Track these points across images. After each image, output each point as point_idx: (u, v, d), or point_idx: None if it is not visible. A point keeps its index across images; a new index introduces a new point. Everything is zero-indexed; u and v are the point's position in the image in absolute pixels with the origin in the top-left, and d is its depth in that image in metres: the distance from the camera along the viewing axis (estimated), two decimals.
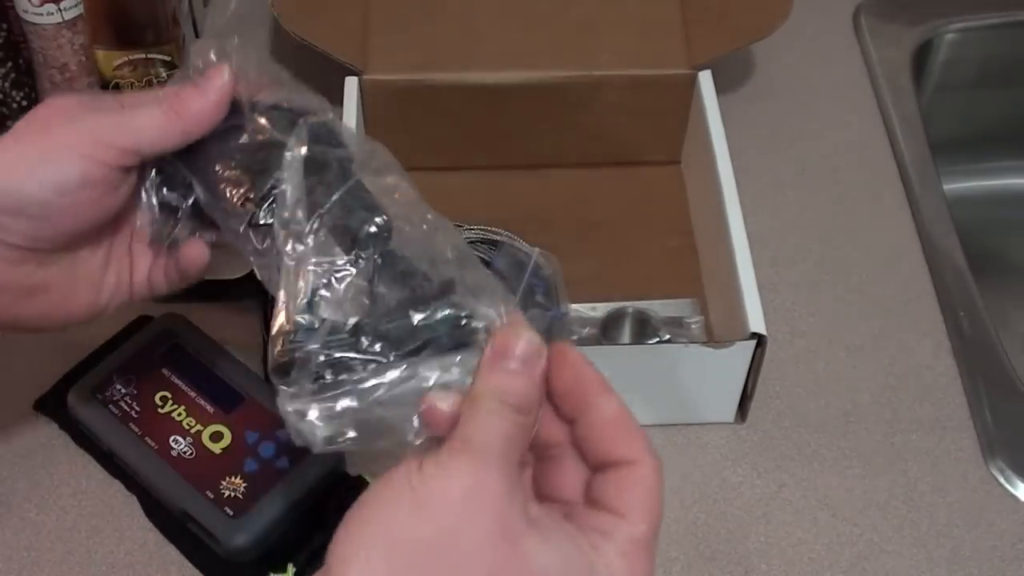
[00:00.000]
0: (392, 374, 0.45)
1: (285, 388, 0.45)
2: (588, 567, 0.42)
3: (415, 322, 0.46)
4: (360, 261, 0.48)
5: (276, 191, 0.52)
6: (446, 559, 0.39)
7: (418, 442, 0.44)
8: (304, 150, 0.52)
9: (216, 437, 0.71)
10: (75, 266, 0.58)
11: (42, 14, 0.83)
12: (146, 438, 0.71)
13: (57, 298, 0.58)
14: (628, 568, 0.43)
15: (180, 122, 0.55)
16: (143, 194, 0.58)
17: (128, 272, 0.61)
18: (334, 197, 0.50)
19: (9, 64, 0.89)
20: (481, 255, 0.83)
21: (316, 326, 0.46)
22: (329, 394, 0.44)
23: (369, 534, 0.40)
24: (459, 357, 0.45)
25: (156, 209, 0.59)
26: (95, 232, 0.58)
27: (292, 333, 0.46)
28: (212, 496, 0.68)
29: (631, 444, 0.45)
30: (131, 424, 0.71)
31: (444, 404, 0.44)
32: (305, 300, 0.47)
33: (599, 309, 0.80)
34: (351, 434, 0.45)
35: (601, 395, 0.47)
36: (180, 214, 0.59)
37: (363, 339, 0.45)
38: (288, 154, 0.52)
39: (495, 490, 0.41)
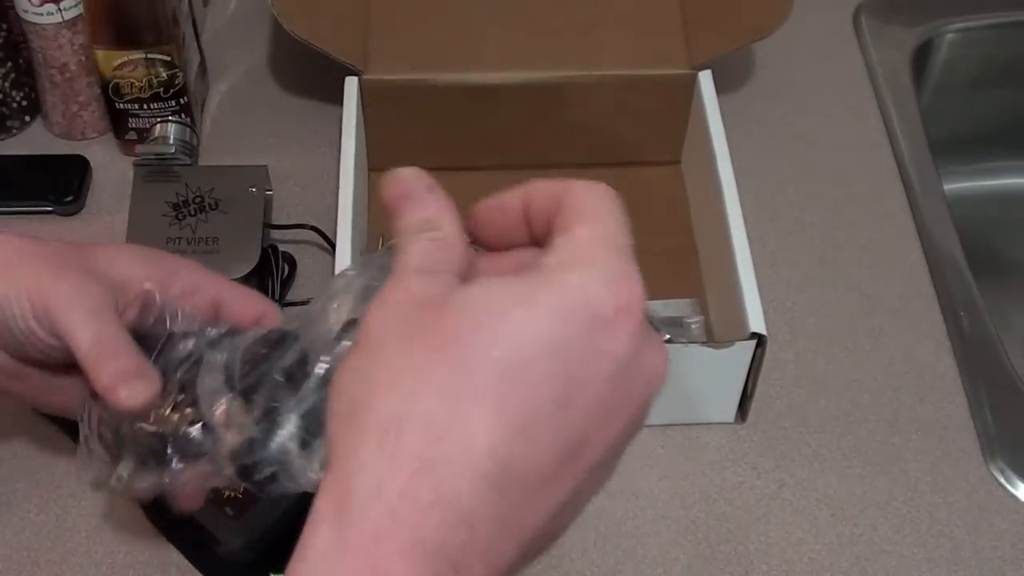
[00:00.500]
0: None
1: None
2: (535, 282, 0.38)
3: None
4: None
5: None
6: (382, 365, 0.37)
7: None
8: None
9: None
10: (49, 376, 0.58)
11: (42, 14, 0.83)
12: None
13: (35, 389, 0.59)
14: (575, 266, 0.39)
15: (90, 367, 0.53)
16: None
17: None
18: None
19: (9, 64, 0.89)
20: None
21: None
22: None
23: (346, 401, 0.38)
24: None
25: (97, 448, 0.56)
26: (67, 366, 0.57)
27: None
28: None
29: (572, 190, 0.42)
30: None
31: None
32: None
33: None
34: None
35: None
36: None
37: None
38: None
39: (410, 289, 0.39)
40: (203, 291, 0.58)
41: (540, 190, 0.43)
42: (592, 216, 0.41)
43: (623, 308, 0.38)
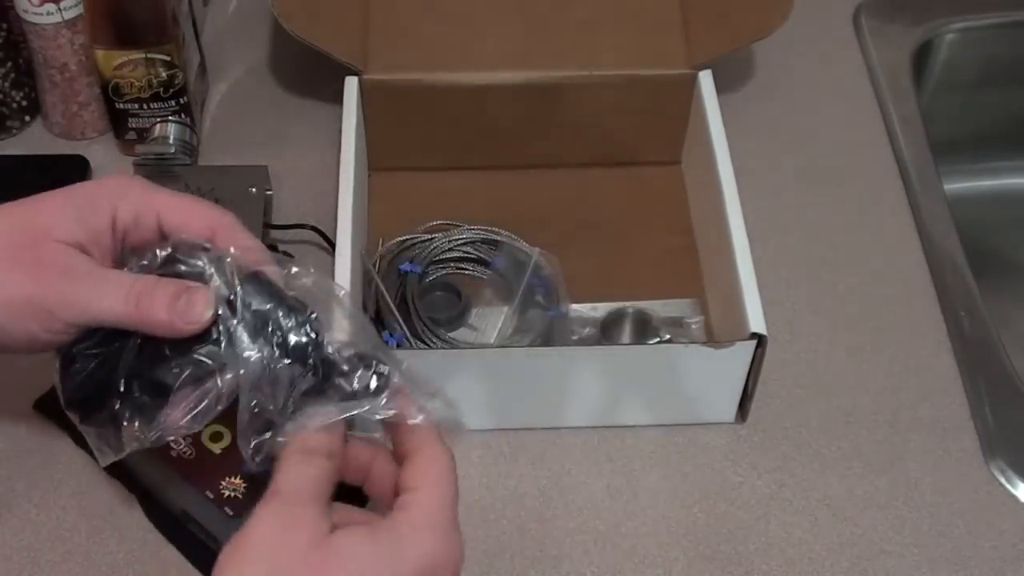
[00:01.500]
0: None
1: None
2: (394, 540, 0.50)
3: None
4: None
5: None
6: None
7: None
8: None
9: (216, 437, 0.71)
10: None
11: (42, 14, 0.83)
12: None
13: None
14: (426, 526, 0.51)
15: (139, 318, 0.54)
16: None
17: None
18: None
19: (9, 64, 0.89)
20: (481, 255, 0.83)
21: None
22: None
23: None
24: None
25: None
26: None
27: None
28: (212, 496, 0.68)
29: (421, 434, 0.54)
30: None
31: None
32: None
33: (599, 309, 0.80)
34: None
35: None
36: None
37: None
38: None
39: (290, 516, 0.49)
40: (146, 219, 0.57)
41: (399, 443, 0.55)
42: (441, 484, 0.53)
43: (453, 566, 0.51)
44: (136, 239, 0.58)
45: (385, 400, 0.54)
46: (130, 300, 0.54)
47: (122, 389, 0.54)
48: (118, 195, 0.57)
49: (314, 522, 0.49)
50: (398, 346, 0.76)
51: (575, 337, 0.79)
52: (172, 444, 0.70)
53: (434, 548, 0.50)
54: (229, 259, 0.55)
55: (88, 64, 0.86)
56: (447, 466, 0.53)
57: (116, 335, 0.55)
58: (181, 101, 0.87)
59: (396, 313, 0.77)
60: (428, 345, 0.77)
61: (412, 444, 0.54)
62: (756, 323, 0.71)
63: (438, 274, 0.82)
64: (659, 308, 0.81)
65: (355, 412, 0.53)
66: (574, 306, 0.80)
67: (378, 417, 0.54)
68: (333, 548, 0.48)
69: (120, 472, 0.72)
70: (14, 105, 0.91)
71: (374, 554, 0.49)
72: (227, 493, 0.68)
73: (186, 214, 0.57)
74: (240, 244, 0.56)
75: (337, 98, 0.83)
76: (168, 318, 0.53)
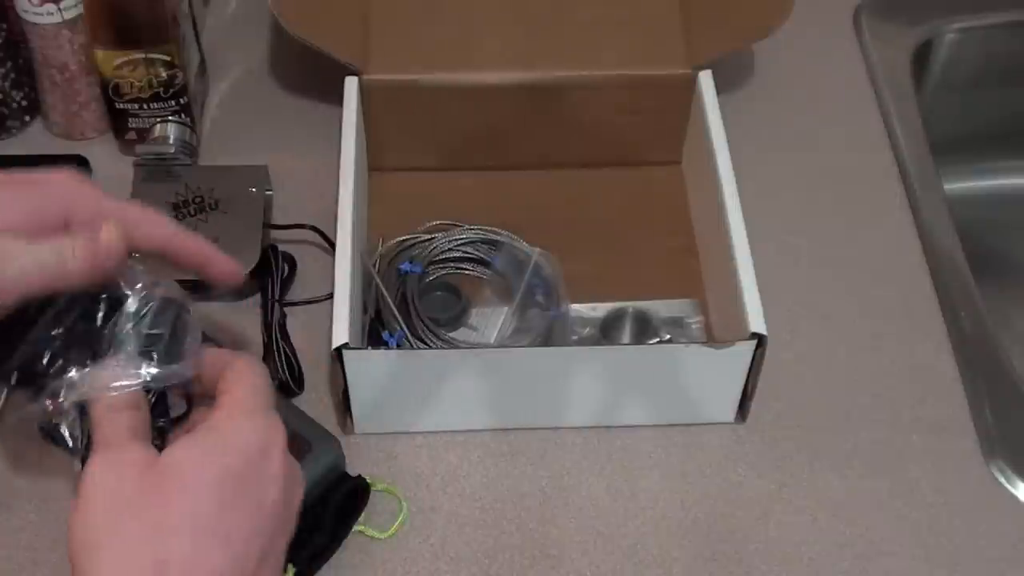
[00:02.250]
0: None
1: None
2: (212, 434, 0.52)
3: None
4: None
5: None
6: (127, 530, 0.49)
7: None
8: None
9: None
10: None
11: (42, 14, 0.83)
12: None
13: None
14: (236, 414, 0.53)
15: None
16: None
17: None
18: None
19: (9, 64, 0.89)
20: (481, 255, 0.83)
21: None
22: None
23: (72, 551, 0.49)
24: None
25: None
26: None
27: None
28: None
29: (223, 361, 0.56)
30: None
31: None
32: None
33: (599, 309, 0.80)
34: None
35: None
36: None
37: None
38: None
39: (118, 460, 0.51)
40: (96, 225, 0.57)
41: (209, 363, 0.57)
42: (245, 378, 0.55)
43: (275, 443, 0.53)
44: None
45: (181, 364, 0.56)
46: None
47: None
48: (69, 199, 0.58)
49: (138, 454, 0.51)
50: (398, 346, 0.76)
51: (575, 337, 0.79)
52: None
53: (254, 432, 0.52)
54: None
55: (88, 64, 0.86)
56: (247, 363, 0.56)
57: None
58: (181, 101, 0.87)
59: (396, 313, 0.77)
60: (428, 345, 0.77)
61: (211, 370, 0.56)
62: (756, 323, 0.71)
63: (438, 274, 0.82)
64: (659, 308, 0.81)
65: (151, 377, 0.54)
66: (574, 306, 0.80)
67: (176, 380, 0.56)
68: (162, 466, 0.50)
69: None
70: (14, 105, 0.91)
71: (200, 455, 0.51)
72: None
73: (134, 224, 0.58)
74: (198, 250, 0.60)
75: (337, 98, 0.83)
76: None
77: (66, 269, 0.54)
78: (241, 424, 0.53)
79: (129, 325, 0.55)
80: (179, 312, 0.56)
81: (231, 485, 0.50)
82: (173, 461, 0.51)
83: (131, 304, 0.55)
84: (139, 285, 0.56)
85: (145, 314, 0.55)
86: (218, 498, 0.50)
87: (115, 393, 0.53)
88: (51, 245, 0.54)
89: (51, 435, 0.55)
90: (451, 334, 0.79)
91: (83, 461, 0.53)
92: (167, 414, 0.57)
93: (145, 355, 0.55)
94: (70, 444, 0.54)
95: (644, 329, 0.80)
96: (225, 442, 0.52)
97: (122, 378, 0.54)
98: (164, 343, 0.55)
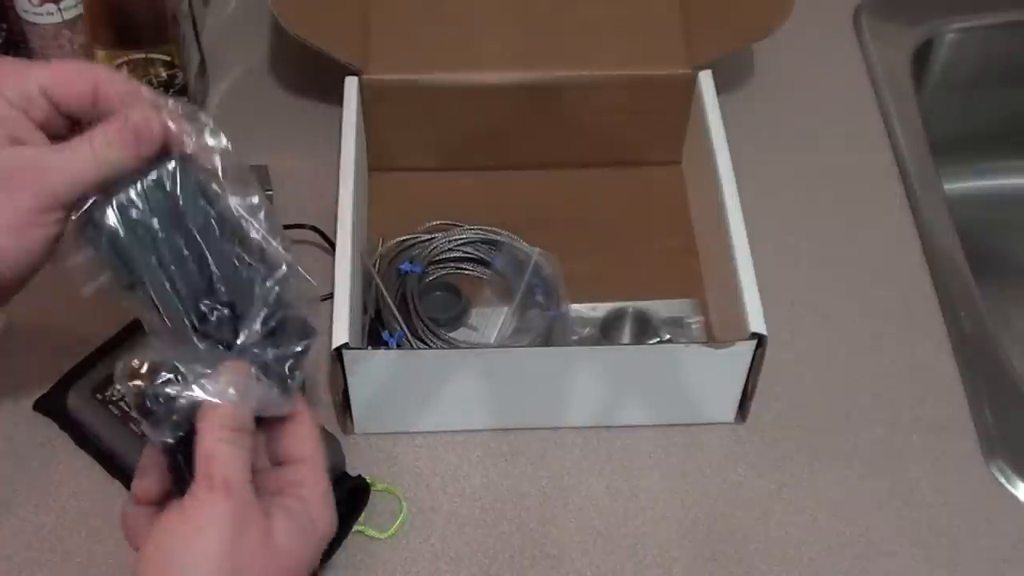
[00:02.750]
0: None
1: None
2: (308, 520, 0.53)
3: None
4: None
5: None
6: None
7: None
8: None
9: None
10: None
11: (42, 14, 0.83)
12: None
13: None
14: (326, 500, 0.55)
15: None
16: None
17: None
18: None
19: None
20: (481, 255, 0.83)
21: None
22: None
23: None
24: None
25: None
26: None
27: None
28: None
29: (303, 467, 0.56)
30: (131, 424, 0.71)
31: None
32: None
33: (599, 309, 0.80)
34: None
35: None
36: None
37: None
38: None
39: (242, 516, 0.50)
40: (33, 97, 0.55)
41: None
42: (317, 451, 0.56)
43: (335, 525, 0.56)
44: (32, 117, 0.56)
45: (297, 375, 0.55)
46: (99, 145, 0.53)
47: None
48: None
49: (261, 522, 0.51)
50: (398, 346, 0.76)
51: (575, 337, 0.79)
52: None
53: (331, 518, 0.54)
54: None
55: None
56: (315, 427, 0.56)
57: None
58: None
59: (396, 313, 0.77)
60: (428, 345, 0.77)
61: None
62: (756, 323, 0.71)
63: (438, 274, 0.82)
64: (659, 308, 0.81)
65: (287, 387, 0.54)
66: (574, 306, 0.80)
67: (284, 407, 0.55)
68: (275, 547, 0.51)
69: (120, 472, 0.72)
70: None
71: (301, 541, 0.52)
72: None
73: (67, 81, 0.56)
74: (120, 91, 0.56)
75: (337, 98, 0.83)
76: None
77: (109, 158, 0.53)
78: (324, 513, 0.54)
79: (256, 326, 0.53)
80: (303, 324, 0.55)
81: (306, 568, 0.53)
82: (284, 547, 0.51)
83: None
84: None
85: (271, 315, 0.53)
86: None
87: (231, 413, 0.52)
88: (83, 141, 0.53)
89: (147, 413, 0.52)
90: (451, 334, 0.79)
91: (180, 474, 0.51)
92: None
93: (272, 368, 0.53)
94: (169, 441, 0.52)
95: (644, 329, 0.80)
96: (315, 532, 0.53)
97: (242, 393, 0.52)
98: (289, 355, 0.54)
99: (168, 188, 0.53)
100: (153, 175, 0.53)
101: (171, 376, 0.51)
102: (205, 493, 0.50)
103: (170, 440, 0.52)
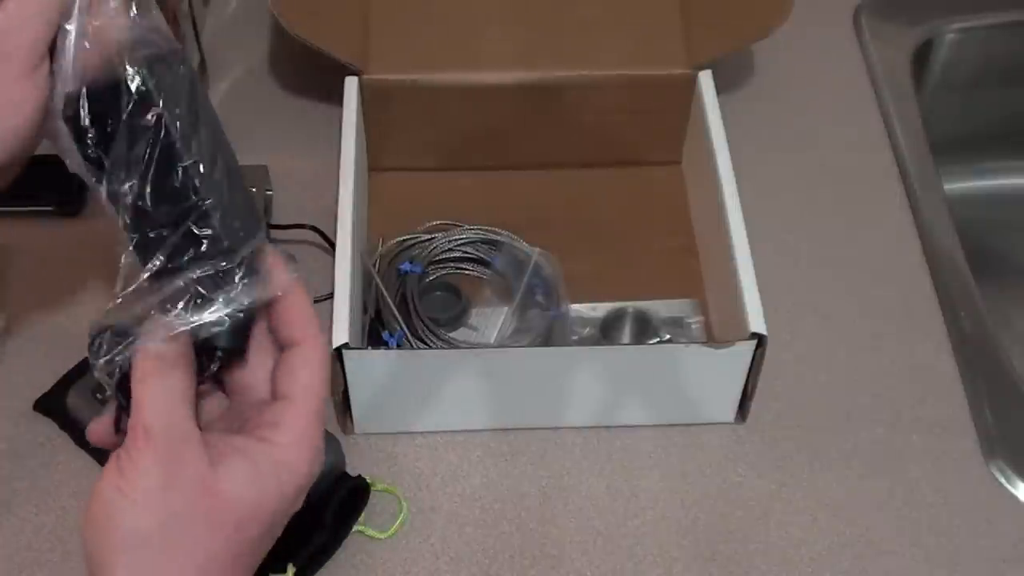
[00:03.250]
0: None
1: None
2: (271, 465, 0.49)
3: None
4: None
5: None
6: (175, 542, 0.47)
7: None
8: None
9: None
10: None
11: None
12: None
13: None
14: (301, 443, 0.50)
15: None
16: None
17: None
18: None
19: None
20: (481, 255, 0.83)
21: None
22: None
23: (105, 538, 0.46)
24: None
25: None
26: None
27: None
28: None
29: (301, 324, 0.51)
30: None
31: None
32: None
33: (599, 309, 0.80)
34: None
35: (286, 280, 0.51)
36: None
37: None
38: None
39: (184, 464, 0.47)
40: None
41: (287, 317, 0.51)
42: (308, 390, 0.50)
43: (315, 472, 0.51)
44: None
45: (258, 283, 0.49)
46: None
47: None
48: None
49: (197, 463, 0.47)
50: (398, 346, 0.76)
51: (575, 337, 0.79)
52: None
53: (308, 466, 0.50)
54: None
55: None
56: (320, 366, 0.51)
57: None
58: None
59: (396, 313, 0.77)
60: (428, 345, 0.77)
61: (289, 328, 0.51)
62: (756, 323, 0.71)
63: (438, 274, 0.82)
64: (659, 308, 0.81)
65: (230, 309, 0.47)
66: (574, 306, 0.80)
67: (248, 303, 0.48)
68: (219, 493, 0.47)
69: None
70: None
71: (257, 488, 0.48)
72: None
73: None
74: None
75: (337, 98, 0.83)
76: None
77: None
78: (300, 458, 0.50)
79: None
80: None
81: (272, 524, 0.49)
82: (232, 491, 0.48)
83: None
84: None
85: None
86: (259, 539, 0.49)
87: (163, 334, 0.47)
88: None
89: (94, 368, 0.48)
90: (451, 334, 0.79)
91: (118, 416, 0.48)
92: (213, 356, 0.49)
93: (212, 279, 0.47)
94: (106, 389, 0.48)
95: (644, 329, 0.80)
96: (282, 478, 0.49)
97: (179, 308, 0.46)
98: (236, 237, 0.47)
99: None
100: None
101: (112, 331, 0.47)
102: (131, 442, 0.47)
103: (108, 392, 0.48)
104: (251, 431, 0.50)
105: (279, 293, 0.50)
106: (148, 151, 0.47)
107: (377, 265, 0.80)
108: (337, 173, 0.78)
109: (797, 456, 0.75)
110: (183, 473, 0.47)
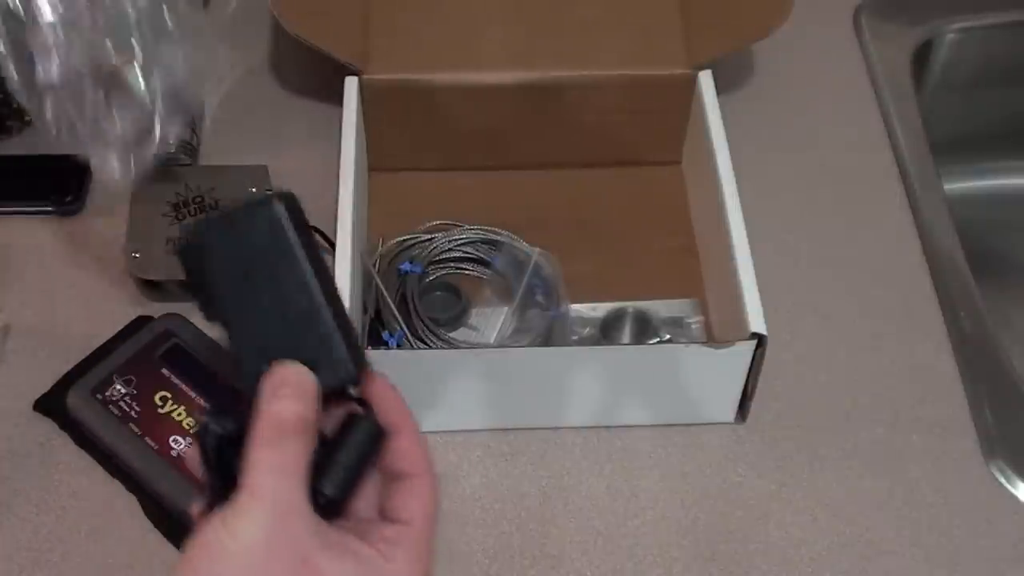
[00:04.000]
0: None
1: None
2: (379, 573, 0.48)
3: None
4: None
5: None
6: None
7: None
8: None
9: None
10: None
11: None
12: (146, 438, 0.71)
13: None
14: (414, 568, 0.49)
15: None
16: None
17: None
18: None
19: None
20: (481, 255, 0.83)
21: None
22: None
23: None
24: None
25: None
26: None
27: None
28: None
29: (414, 459, 0.52)
30: (131, 424, 0.72)
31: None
32: None
33: (599, 309, 0.80)
34: None
35: (399, 415, 0.53)
36: None
37: None
38: None
39: (291, 531, 0.46)
40: None
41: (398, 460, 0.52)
42: (425, 516, 0.51)
43: None
44: None
45: (371, 424, 0.49)
46: None
47: None
48: None
49: (307, 539, 0.46)
50: (398, 346, 0.76)
51: (575, 337, 0.79)
52: (172, 444, 0.70)
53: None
54: None
55: None
56: (433, 495, 0.51)
57: None
58: None
59: (396, 313, 0.77)
60: (428, 345, 0.77)
61: (401, 462, 0.52)
62: (756, 323, 0.71)
63: (438, 274, 0.82)
64: (659, 308, 0.81)
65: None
66: (574, 306, 0.80)
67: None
68: (316, 569, 0.46)
69: (120, 472, 0.72)
70: (14, 105, 0.91)
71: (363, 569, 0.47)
72: None
73: None
74: None
75: (337, 98, 0.83)
76: None
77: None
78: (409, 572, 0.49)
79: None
80: None
81: None
82: (325, 561, 0.46)
83: None
84: None
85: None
86: None
87: (289, 393, 0.47)
88: None
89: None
90: (451, 334, 0.79)
91: (217, 486, 0.47)
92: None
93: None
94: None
95: (644, 329, 0.80)
96: None
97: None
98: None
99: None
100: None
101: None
102: (240, 501, 0.46)
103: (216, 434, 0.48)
104: (370, 542, 0.49)
105: (392, 431, 0.51)
106: (229, 303, 0.50)
107: (377, 265, 0.80)
108: (337, 173, 0.78)
109: (797, 456, 0.75)
110: (285, 551, 0.46)
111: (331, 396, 0.49)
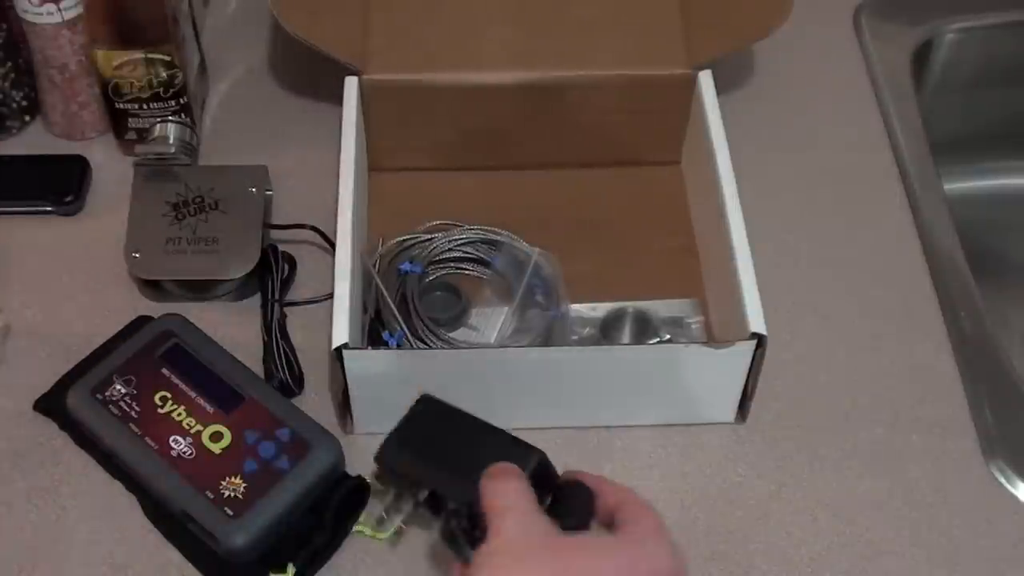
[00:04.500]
0: None
1: None
2: (634, 542, 0.55)
3: None
4: None
5: None
6: None
7: None
8: None
9: (216, 437, 0.71)
10: None
11: (42, 14, 0.83)
12: (146, 438, 0.71)
13: None
14: (656, 541, 0.56)
15: None
16: None
17: None
18: None
19: (9, 64, 0.89)
20: (481, 255, 0.83)
21: None
22: None
23: None
24: None
25: None
26: None
27: None
28: (212, 496, 0.68)
29: (640, 516, 0.58)
30: (131, 424, 0.71)
31: None
32: None
33: (599, 309, 0.80)
34: None
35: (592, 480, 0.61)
36: None
37: None
38: None
39: (536, 519, 0.55)
40: None
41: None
42: (649, 515, 0.58)
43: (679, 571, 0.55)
44: None
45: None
46: None
47: None
48: None
49: (547, 522, 0.54)
50: (398, 346, 0.76)
51: (575, 337, 0.79)
52: (172, 444, 0.70)
53: (666, 557, 0.55)
54: None
55: (88, 64, 0.86)
56: (646, 504, 0.59)
57: None
58: (181, 101, 0.87)
59: (396, 313, 0.77)
60: (428, 345, 0.77)
61: (622, 514, 0.58)
62: (756, 323, 0.71)
63: (438, 274, 0.82)
64: (659, 308, 0.81)
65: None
66: (574, 306, 0.80)
67: None
68: (573, 539, 0.55)
69: (120, 472, 0.72)
70: (14, 105, 0.91)
71: (615, 547, 0.55)
72: (227, 493, 0.68)
73: None
74: None
75: (337, 98, 0.83)
76: None
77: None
78: (660, 545, 0.55)
79: None
80: None
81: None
82: (588, 541, 0.55)
83: None
84: None
85: None
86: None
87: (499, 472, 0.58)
88: None
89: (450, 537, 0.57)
90: (451, 334, 0.79)
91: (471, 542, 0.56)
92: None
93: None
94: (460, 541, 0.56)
95: (644, 329, 0.80)
96: (642, 552, 0.54)
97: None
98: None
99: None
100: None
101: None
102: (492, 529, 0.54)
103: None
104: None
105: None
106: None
107: (377, 265, 0.80)
108: (337, 173, 0.78)
109: (797, 456, 0.75)
110: (536, 527, 0.54)
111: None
